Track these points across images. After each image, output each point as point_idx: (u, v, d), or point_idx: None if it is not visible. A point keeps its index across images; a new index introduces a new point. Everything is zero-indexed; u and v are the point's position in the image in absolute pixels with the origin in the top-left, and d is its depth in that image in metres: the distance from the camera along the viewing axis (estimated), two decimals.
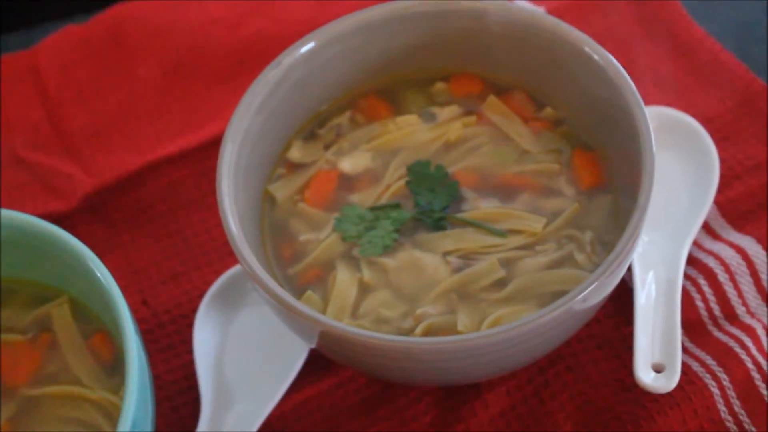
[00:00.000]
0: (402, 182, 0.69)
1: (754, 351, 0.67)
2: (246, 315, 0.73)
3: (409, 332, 0.63)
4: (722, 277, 0.70)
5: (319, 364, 0.71)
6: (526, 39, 0.70)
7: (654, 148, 0.63)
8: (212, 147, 0.82)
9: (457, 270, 0.65)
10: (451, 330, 0.63)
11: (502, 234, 0.66)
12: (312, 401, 0.70)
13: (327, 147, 0.72)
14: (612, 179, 0.68)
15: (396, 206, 0.68)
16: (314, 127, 0.73)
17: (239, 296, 0.73)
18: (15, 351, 0.66)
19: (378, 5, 0.71)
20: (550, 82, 0.71)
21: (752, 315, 0.69)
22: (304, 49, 0.70)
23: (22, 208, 0.75)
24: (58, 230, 0.64)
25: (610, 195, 0.67)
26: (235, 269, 0.73)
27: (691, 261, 0.72)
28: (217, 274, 0.75)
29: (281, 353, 0.70)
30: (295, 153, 0.72)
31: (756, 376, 0.66)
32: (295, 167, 0.71)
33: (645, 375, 0.64)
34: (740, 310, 0.69)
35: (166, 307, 0.75)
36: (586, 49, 0.67)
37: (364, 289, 0.66)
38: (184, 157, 0.82)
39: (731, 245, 0.72)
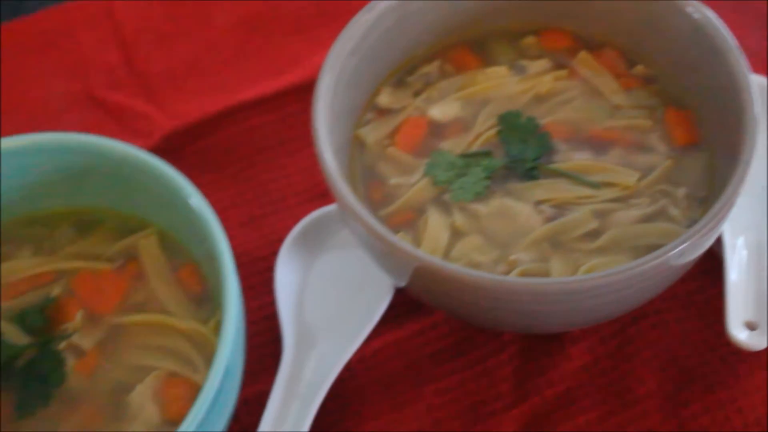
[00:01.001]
0: (492, 131, 0.69)
1: None
2: (327, 259, 0.73)
3: None
4: None
5: (401, 310, 0.71)
6: None
7: (756, 108, 0.62)
8: (291, 95, 0.83)
9: (550, 219, 0.65)
10: (545, 277, 0.63)
11: (596, 185, 0.66)
12: (392, 346, 0.70)
13: (416, 94, 0.72)
14: (706, 137, 0.68)
15: (487, 154, 0.68)
16: (403, 75, 0.73)
17: (321, 240, 0.73)
18: (101, 279, 0.66)
19: None
20: (644, 39, 0.71)
21: None
22: None
23: None
24: (154, 159, 0.64)
25: (703, 153, 0.67)
26: (317, 213, 0.73)
27: None
28: (296, 219, 0.75)
29: (363, 297, 0.70)
30: (385, 99, 0.72)
31: None
32: (383, 113, 0.71)
33: (739, 332, 0.63)
34: None
35: (245, 249, 0.75)
36: (689, 9, 0.67)
37: (456, 234, 0.65)
38: (263, 104, 0.82)
39: None
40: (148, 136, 0.80)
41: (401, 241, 0.60)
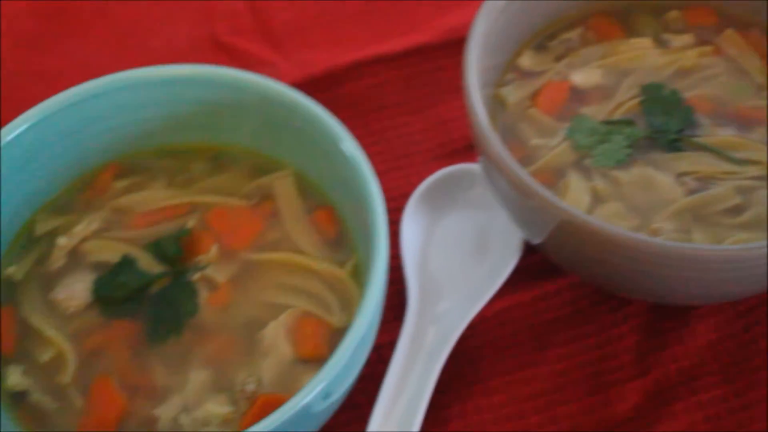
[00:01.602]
0: (636, 101, 0.68)
1: None
2: (454, 218, 0.72)
3: None
4: None
5: (524, 275, 0.70)
6: None
7: None
8: (417, 54, 0.83)
9: (692, 192, 0.64)
10: None
11: (739, 162, 0.65)
12: (515, 310, 0.69)
13: (557, 59, 0.71)
14: None
15: (629, 123, 0.67)
16: (544, 40, 0.72)
17: (449, 198, 0.73)
18: (235, 215, 0.66)
19: None
20: None
21: None
22: None
23: None
24: (306, 99, 0.64)
25: None
26: (446, 170, 0.73)
27: None
28: (420, 176, 0.74)
29: (488, 259, 0.70)
30: (526, 61, 0.71)
31: None
32: (525, 74, 0.71)
33: None
34: None
35: None
36: None
37: (596, 199, 0.65)
38: (390, 60, 0.82)
39: None
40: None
41: (550, 193, 0.59)
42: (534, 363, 0.67)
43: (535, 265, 0.70)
